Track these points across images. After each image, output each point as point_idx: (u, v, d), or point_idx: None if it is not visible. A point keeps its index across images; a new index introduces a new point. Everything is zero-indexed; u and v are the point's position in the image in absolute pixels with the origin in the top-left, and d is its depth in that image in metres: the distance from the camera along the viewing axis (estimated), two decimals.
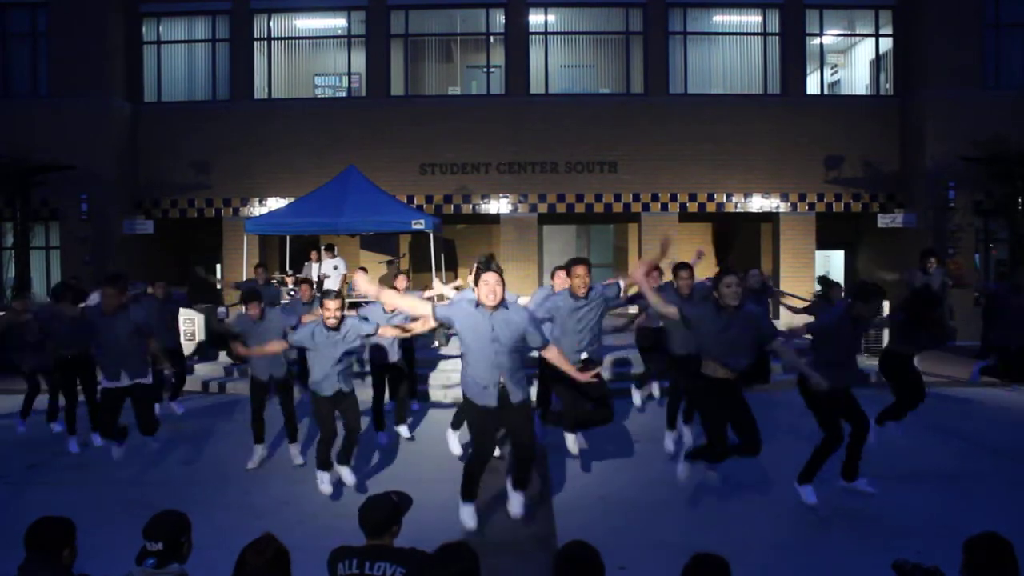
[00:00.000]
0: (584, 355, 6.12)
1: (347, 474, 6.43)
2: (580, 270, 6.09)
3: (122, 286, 7.15)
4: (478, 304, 5.12)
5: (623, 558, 4.98)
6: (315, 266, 14.06)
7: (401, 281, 9.82)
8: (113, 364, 6.95)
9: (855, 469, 5.93)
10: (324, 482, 6.38)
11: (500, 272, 5.15)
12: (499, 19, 16.45)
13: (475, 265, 7.29)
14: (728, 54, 16.74)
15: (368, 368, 8.70)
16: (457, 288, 10.04)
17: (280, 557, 2.76)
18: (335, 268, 14.05)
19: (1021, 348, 9.30)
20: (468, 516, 5.43)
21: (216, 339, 12.40)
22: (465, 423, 5.98)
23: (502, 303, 5.12)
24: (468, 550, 2.78)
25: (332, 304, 6.22)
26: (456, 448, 7.32)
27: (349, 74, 16.71)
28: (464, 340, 5.21)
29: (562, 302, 6.24)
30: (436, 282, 8.55)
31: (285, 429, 7.50)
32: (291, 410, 7.46)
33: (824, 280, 9.72)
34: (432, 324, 8.22)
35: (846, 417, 5.81)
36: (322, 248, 14.37)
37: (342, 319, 6.28)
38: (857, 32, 17.18)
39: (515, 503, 5.52)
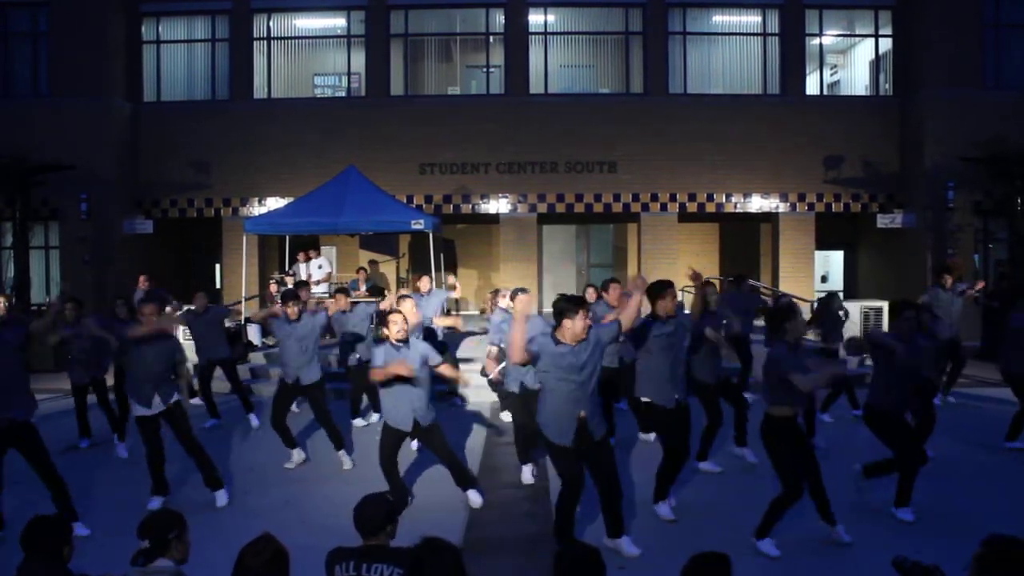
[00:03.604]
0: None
1: (474, 496, 6.19)
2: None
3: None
4: (558, 342, 4.86)
5: (623, 558, 5.00)
6: (303, 267, 14.19)
7: (425, 282, 9.72)
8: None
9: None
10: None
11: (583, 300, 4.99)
12: (499, 19, 16.45)
13: (513, 292, 6.77)
14: (728, 54, 16.73)
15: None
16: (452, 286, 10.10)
17: (279, 557, 2.76)
18: (319, 268, 14.15)
19: None
20: None
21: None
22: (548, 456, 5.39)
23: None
24: (449, 544, 2.69)
25: (398, 318, 5.84)
26: (528, 478, 6.88)
27: (349, 74, 16.70)
28: (546, 376, 4.95)
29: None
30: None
31: (328, 437, 7.29)
32: (327, 415, 7.20)
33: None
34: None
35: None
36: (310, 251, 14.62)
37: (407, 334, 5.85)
38: (857, 32, 17.17)
39: (624, 546, 5.13)
